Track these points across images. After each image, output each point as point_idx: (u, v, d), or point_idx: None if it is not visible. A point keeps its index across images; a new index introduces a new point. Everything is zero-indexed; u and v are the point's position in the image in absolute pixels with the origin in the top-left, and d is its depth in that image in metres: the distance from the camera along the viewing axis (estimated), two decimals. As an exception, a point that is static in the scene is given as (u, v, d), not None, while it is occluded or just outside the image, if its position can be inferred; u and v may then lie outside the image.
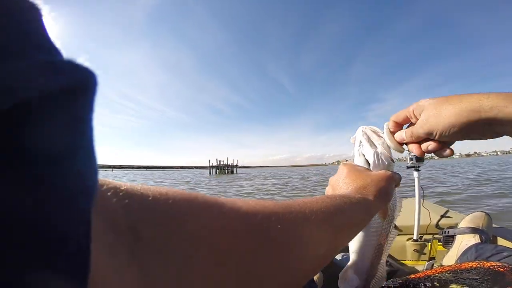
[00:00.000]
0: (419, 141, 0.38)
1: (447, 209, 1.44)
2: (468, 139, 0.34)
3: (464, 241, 0.86)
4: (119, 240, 0.12)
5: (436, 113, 0.33)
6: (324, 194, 0.40)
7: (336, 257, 1.05)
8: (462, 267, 0.66)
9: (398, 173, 0.41)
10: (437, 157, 0.40)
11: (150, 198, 0.13)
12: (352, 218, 0.29)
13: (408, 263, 1.16)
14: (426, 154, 0.39)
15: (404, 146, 0.42)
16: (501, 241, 1.02)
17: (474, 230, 0.88)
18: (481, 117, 0.29)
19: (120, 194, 0.12)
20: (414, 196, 1.20)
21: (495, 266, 0.59)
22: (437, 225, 1.23)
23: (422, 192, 1.20)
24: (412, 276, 0.71)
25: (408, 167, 1.18)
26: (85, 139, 0.08)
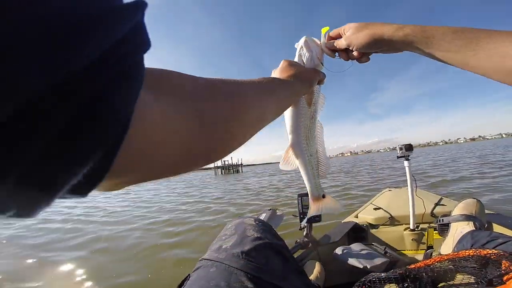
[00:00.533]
0: (347, 52, 0.52)
1: (440, 196, 1.45)
2: (379, 52, 0.50)
3: (459, 229, 0.87)
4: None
5: (356, 32, 0.48)
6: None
7: (336, 251, 1.06)
8: (460, 256, 0.66)
9: (323, 73, 0.52)
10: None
11: (158, 73, 0.22)
12: (282, 91, 0.40)
13: (408, 252, 1.16)
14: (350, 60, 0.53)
15: (337, 54, 0.54)
16: (497, 227, 1.03)
17: (468, 217, 0.89)
18: (384, 38, 0.45)
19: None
20: (407, 185, 1.19)
21: (492, 254, 0.60)
22: (432, 214, 1.23)
23: (414, 180, 1.20)
24: (412, 266, 0.71)
25: (398, 157, 1.18)
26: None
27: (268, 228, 0.63)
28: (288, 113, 0.52)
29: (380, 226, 1.29)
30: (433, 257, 0.93)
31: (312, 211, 0.55)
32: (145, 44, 0.15)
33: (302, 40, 0.52)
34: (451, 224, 0.93)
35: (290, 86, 0.43)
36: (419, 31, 0.43)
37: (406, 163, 1.18)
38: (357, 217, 1.43)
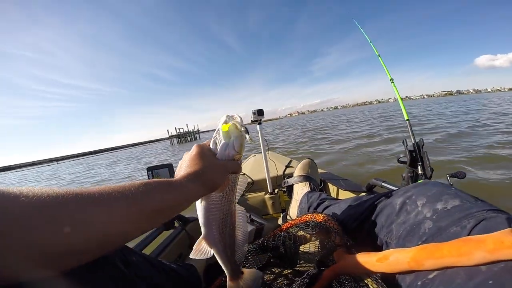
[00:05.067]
0: None
1: (290, 159, 1.51)
2: None
3: (299, 190, 0.92)
4: None
5: None
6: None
7: None
8: (302, 221, 0.67)
9: (238, 163, 0.43)
10: None
11: None
12: (164, 201, 0.31)
13: (272, 216, 1.17)
14: None
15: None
16: (329, 185, 1.16)
17: (304, 178, 0.94)
18: None
19: None
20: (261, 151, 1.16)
21: (325, 221, 0.61)
22: (283, 176, 1.26)
23: (266, 144, 1.18)
24: (271, 234, 0.69)
25: (252, 121, 1.11)
26: None
27: None
28: (199, 206, 0.44)
29: (245, 193, 1.25)
30: (287, 220, 0.97)
31: None
32: None
33: (221, 121, 0.42)
34: (294, 185, 0.96)
35: (179, 191, 0.34)
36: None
37: (258, 127, 1.12)
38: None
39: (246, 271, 0.50)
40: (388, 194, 0.51)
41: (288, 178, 1.03)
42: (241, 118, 0.44)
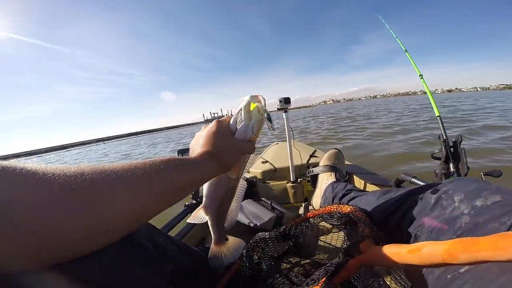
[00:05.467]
0: None
1: (314, 148, 1.47)
2: None
3: (324, 180, 0.89)
4: None
5: None
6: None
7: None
8: (327, 211, 0.65)
9: (253, 144, 0.43)
10: None
11: None
12: (183, 179, 0.31)
13: (292, 205, 1.16)
14: None
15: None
16: (355, 177, 1.13)
17: (330, 168, 0.91)
18: None
19: None
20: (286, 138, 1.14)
21: (352, 212, 0.59)
22: (307, 165, 1.23)
23: (292, 132, 1.16)
24: (293, 222, 0.68)
25: (278, 109, 1.10)
26: None
27: None
28: None
29: (267, 180, 1.25)
30: (309, 210, 0.95)
31: (212, 252, 0.51)
32: None
33: (244, 101, 0.41)
34: (319, 175, 0.94)
35: (195, 169, 0.33)
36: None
37: (284, 115, 1.10)
38: (248, 172, 1.33)
39: (231, 239, 0.52)
40: (420, 188, 0.49)
41: (312, 167, 1.00)
42: (264, 100, 0.42)
